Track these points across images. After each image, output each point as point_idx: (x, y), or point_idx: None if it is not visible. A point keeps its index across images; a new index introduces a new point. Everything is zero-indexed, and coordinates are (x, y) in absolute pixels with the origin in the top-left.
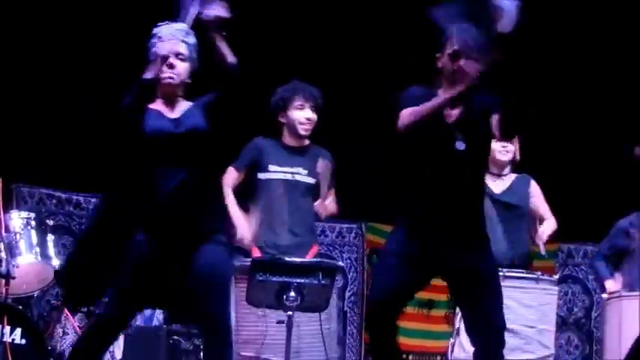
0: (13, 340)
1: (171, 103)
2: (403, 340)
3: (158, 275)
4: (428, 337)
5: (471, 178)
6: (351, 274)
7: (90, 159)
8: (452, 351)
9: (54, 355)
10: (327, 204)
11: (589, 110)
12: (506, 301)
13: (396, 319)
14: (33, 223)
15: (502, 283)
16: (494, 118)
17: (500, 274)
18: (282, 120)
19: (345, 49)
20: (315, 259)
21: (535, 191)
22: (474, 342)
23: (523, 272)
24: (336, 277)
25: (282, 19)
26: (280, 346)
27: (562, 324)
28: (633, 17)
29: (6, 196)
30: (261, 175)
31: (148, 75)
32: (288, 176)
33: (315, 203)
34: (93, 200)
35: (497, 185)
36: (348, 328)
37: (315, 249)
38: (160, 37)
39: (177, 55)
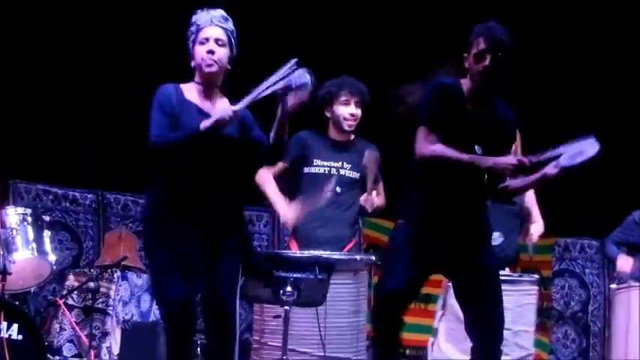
0: (10, 335)
1: (209, 92)
2: (404, 335)
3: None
4: (425, 331)
5: (483, 181)
6: None
7: (86, 155)
8: (431, 350)
9: (51, 351)
10: (374, 198)
11: (589, 106)
12: None
13: (403, 315)
14: (29, 218)
15: None
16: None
17: None
18: (328, 114)
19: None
20: (337, 255)
21: (529, 196)
22: (473, 338)
23: (501, 275)
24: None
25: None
26: (309, 337)
27: (559, 318)
28: (632, 17)
29: (2, 192)
30: (306, 169)
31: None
32: (333, 170)
33: (362, 197)
34: (89, 196)
35: None
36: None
37: (352, 242)
38: (198, 24)
39: (216, 40)
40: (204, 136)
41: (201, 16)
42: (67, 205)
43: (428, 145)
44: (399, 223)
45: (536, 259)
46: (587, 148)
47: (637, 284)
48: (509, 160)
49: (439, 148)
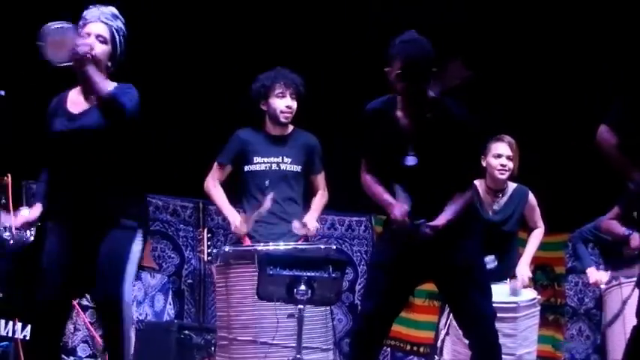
0: (25, 336)
1: (84, 84)
2: (414, 333)
3: (68, 262)
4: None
5: (436, 187)
6: (361, 267)
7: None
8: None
9: (65, 351)
10: (307, 222)
11: (596, 101)
12: None
13: (384, 338)
14: None
15: None
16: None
17: None
18: (264, 108)
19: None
20: (319, 248)
21: (530, 204)
22: (466, 334)
23: (503, 303)
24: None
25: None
26: (283, 329)
27: (573, 315)
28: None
29: (16, 193)
30: (247, 167)
31: None
32: (274, 166)
33: (295, 224)
34: None
35: (491, 203)
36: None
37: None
38: (85, 19)
39: (97, 36)
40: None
41: (90, 12)
42: None
43: (363, 175)
44: (381, 232)
45: (549, 256)
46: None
47: (627, 280)
48: (395, 216)
49: (368, 183)
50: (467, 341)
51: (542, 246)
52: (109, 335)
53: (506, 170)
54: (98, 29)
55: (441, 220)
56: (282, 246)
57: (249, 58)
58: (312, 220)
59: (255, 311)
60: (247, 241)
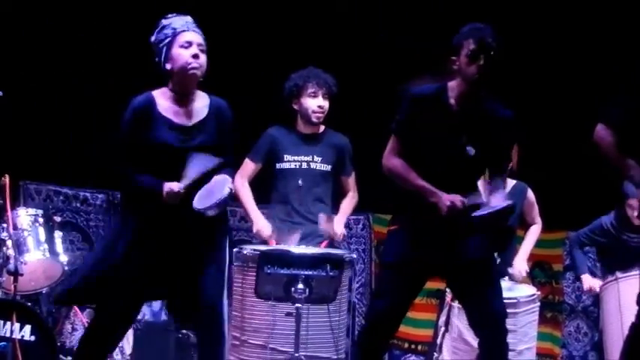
0: (23, 336)
1: (185, 98)
2: (412, 331)
3: (158, 264)
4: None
5: (475, 179)
6: (359, 265)
7: (96, 155)
8: None
9: (63, 351)
10: (336, 227)
11: (596, 98)
12: None
13: (392, 337)
14: (40, 219)
15: None
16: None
17: None
18: (296, 107)
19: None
20: (323, 250)
21: (529, 200)
22: (477, 333)
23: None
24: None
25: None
26: (288, 336)
27: (571, 312)
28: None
29: (13, 194)
30: (278, 165)
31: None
32: (304, 165)
33: (323, 224)
34: (100, 196)
35: None
36: (357, 319)
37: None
38: (174, 28)
39: (198, 45)
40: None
41: (176, 20)
42: (78, 205)
43: (391, 157)
44: (391, 229)
45: (547, 253)
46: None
47: (623, 275)
48: (445, 201)
49: (400, 165)
50: (467, 339)
51: (540, 243)
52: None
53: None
54: (198, 39)
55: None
56: (303, 249)
57: (266, 59)
58: (339, 225)
59: (268, 316)
60: (273, 242)
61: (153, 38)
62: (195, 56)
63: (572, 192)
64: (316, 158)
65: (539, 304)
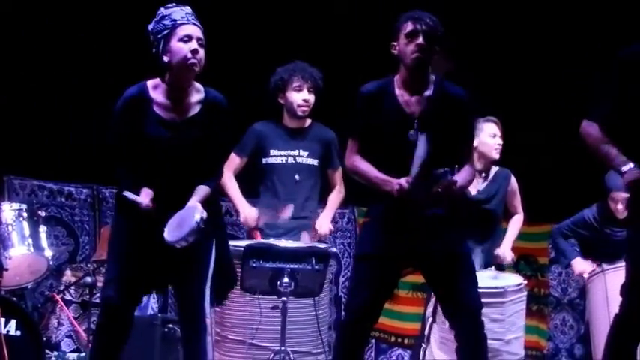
0: (8, 331)
1: (179, 93)
2: (399, 324)
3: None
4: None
5: (437, 163)
6: (344, 259)
7: (81, 150)
8: (424, 357)
9: (49, 346)
10: (320, 226)
11: (582, 94)
12: None
13: (372, 330)
14: (25, 214)
15: None
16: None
17: None
18: (281, 101)
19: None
20: (308, 244)
21: (512, 187)
22: (452, 324)
23: (490, 288)
24: (330, 263)
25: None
26: (272, 331)
27: (556, 304)
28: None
29: None
30: (264, 160)
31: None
32: (290, 159)
33: (304, 237)
34: (84, 191)
35: (475, 186)
36: (343, 313)
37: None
38: (173, 19)
39: (197, 39)
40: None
41: (176, 11)
42: (63, 200)
43: (351, 157)
44: (364, 221)
45: (532, 247)
46: None
47: (610, 267)
48: (394, 185)
49: (358, 163)
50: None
51: (526, 236)
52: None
53: (500, 150)
54: (197, 32)
55: (458, 178)
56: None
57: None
58: (325, 221)
59: (246, 312)
60: (258, 236)
61: (151, 27)
62: (195, 51)
63: (557, 185)
64: (302, 153)
65: (525, 293)
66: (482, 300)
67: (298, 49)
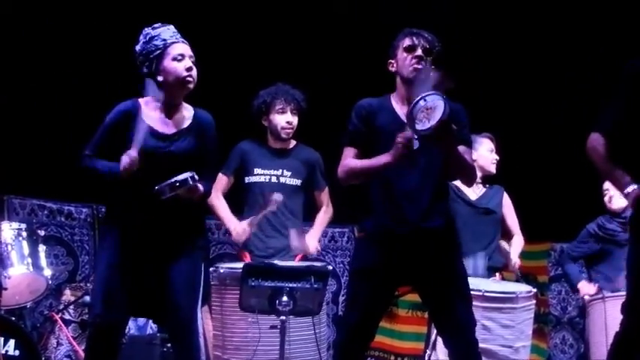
0: (7, 351)
1: (172, 108)
2: (398, 344)
3: (135, 278)
4: (421, 339)
5: (434, 183)
6: (344, 278)
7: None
8: None
9: None
10: (308, 242)
11: (582, 110)
12: (484, 322)
13: (368, 348)
14: (24, 234)
15: (481, 304)
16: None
17: (479, 293)
18: (265, 123)
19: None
20: (306, 263)
21: (506, 202)
22: (445, 343)
23: (502, 293)
24: (329, 281)
25: (270, 19)
26: (271, 352)
27: (556, 323)
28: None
29: None
30: (247, 179)
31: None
32: (274, 179)
33: (294, 241)
34: (84, 210)
35: (471, 192)
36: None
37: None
38: (164, 39)
39: (190, 57)
40: (128, 175)
41: (164, 31)
42: (62, 219)
43: (343, 162)
44: (359, 236)
45: (532, 265)
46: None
47: (611, 294)
48: (397, 145)
49: (351, 163)
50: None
51: (525, 255)
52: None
53: (496, 165)
54: (188, 50)
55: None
56: (285, 262)
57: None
58: (313, 239)
59: (248, 334)
60: (247, 258)
61: (139, 48)
62: (189, 69)
63: (556, 203)
64: (286, 172)
65: (535, 302)
66: (494, 305)
67: (283, 72)
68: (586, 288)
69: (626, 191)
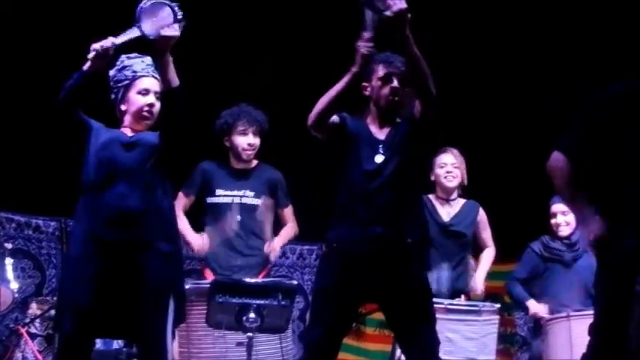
0: None
1: (135, 131)
2: None
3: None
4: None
5: (401, 196)
6: (312, 295)
7: (49, 182)
8: None
9: None
10: (274, 243)
11: (551, 126)
12: (448, 334)
13: None
14: None
15: (445, 316)
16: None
17: (442, 306)
18: (227, 144)
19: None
20: (273, 279)
21: (481, 218)
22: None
23: (465, 305)
24: (296, 298)
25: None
26: None
27: (523, 344)
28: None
29: None
30: (209, 200)
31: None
32: (236, 199)
33: (265, 246)
34: (52, 224)
35: (444, 211)
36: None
37: (267, 269)
38: (134, 71)
39: (155, 93)
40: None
41: (137, 62)
42: (30, 232)
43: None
44: (324, 252)
45: (498, 285)
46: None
47: (576, 314)
48: (357, 46)
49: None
50: None
51: (492, 275)
52: None
53: (452, 176)
54: (155, 86)
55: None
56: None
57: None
58: (277, 244)
59: (215, 350)
60: (210, 275)
61: (112, 74)
62: (151, 105)
63: (524, 223)
64: (248, 193)
65: (498, 317)
66: (458, 317)
67: (245, 92)
68: (535, 307)
69: (587, 227)
